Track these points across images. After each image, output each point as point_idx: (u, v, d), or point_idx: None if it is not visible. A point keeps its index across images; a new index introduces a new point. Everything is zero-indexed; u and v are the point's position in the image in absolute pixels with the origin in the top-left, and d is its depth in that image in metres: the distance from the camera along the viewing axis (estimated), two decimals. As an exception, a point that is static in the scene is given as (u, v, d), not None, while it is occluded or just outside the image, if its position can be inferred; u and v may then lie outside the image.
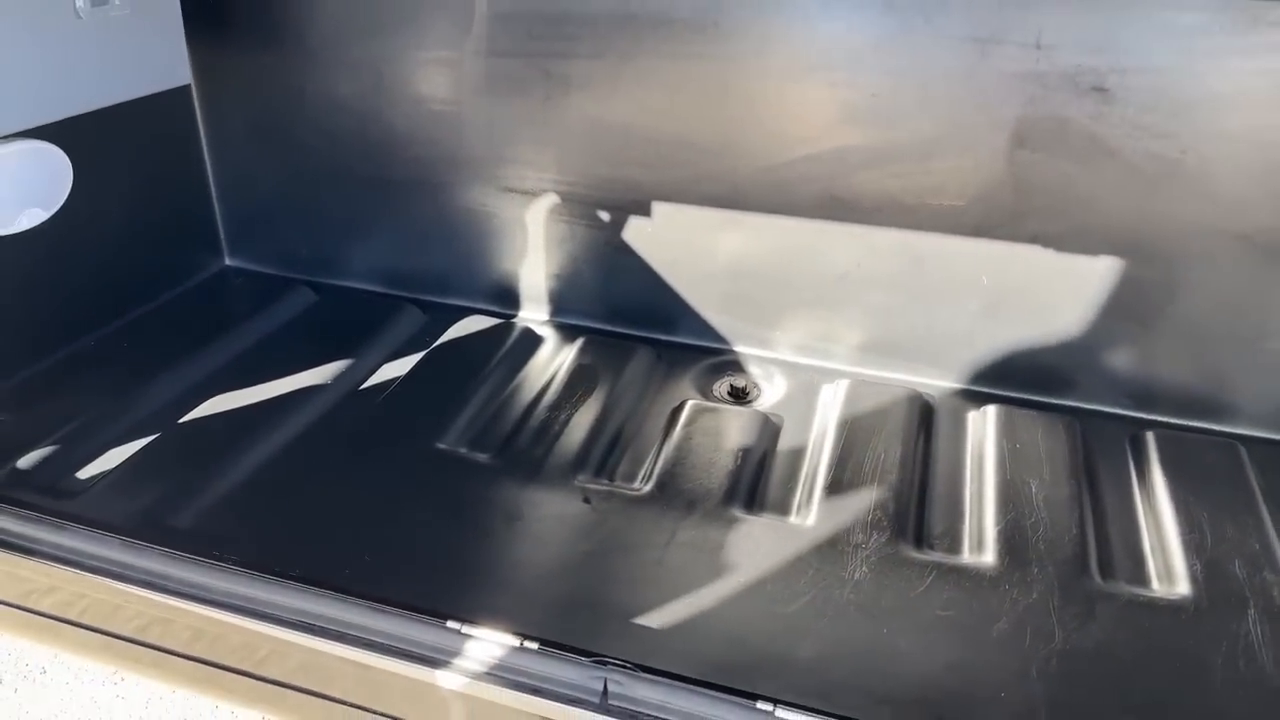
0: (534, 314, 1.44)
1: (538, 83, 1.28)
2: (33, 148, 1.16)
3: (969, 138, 1.15)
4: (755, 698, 0.74)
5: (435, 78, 1.33)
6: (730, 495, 1.02)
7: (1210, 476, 1.07)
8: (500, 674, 0.77)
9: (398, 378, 1.24)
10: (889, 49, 1.14)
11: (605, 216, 1.34)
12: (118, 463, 1.04)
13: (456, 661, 0.78)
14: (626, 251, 1.35)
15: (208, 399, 1.17)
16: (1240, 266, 1.11)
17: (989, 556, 0.95)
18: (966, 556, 0.96)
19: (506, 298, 1.44)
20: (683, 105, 1.24)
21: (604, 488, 1.04)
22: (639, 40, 1.22)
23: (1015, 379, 1.25)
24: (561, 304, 1.42)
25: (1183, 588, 0.91)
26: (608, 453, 1.13)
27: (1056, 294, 1.19)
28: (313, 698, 0.86)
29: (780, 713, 0.73)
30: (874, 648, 0.82)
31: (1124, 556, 0.97)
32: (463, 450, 1.10)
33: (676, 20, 1.19)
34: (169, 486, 1.00)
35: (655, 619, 0.84)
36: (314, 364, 1.24)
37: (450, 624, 0.80)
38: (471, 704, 0.78)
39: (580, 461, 1.09)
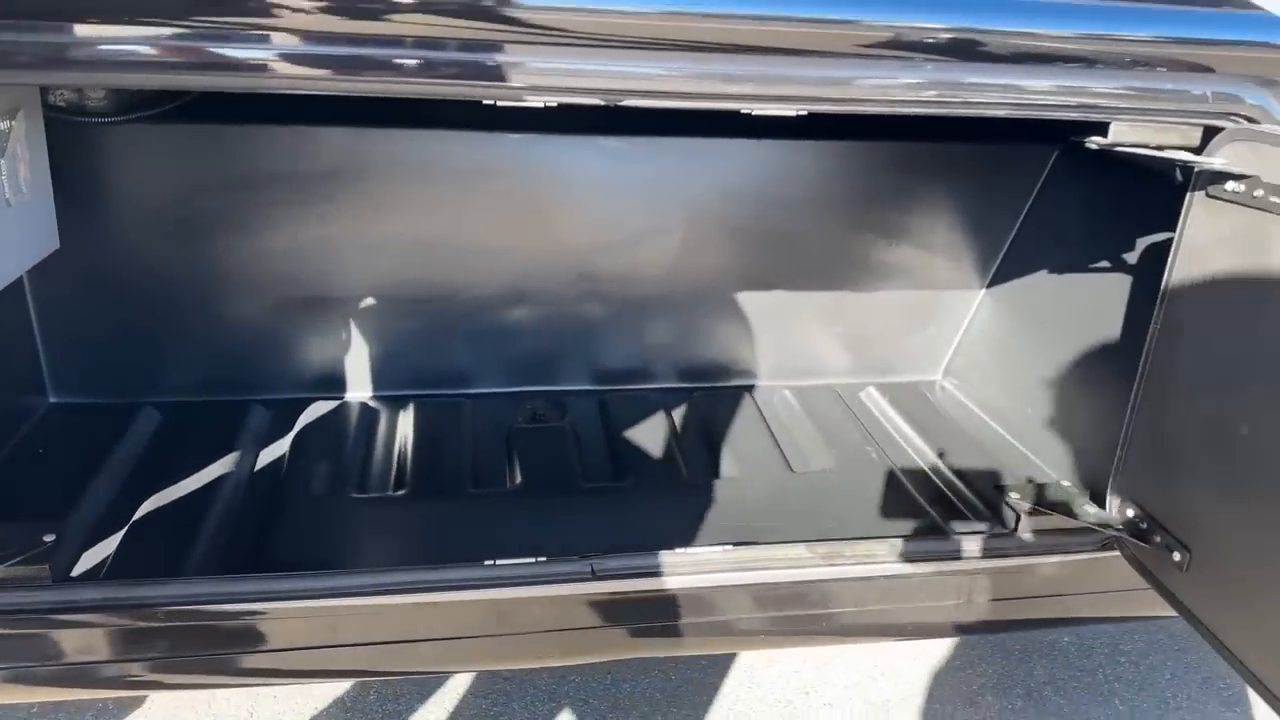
0: (363, 393, 1.85)
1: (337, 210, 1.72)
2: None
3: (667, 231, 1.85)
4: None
5: (249, 213, 1.70)
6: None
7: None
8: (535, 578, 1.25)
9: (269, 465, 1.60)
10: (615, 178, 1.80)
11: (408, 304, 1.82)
12: None
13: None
14: (436, 330, 1.84)
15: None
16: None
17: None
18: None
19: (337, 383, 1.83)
20: (468, 222, 1.78)
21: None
22: (422, 173, 1.74)
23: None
24: (385, 380, 1.85)
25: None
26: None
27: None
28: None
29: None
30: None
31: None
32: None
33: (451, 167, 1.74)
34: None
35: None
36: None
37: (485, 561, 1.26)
38: (528, 603, 1.24)
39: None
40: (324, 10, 0.96)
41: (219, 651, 1.21)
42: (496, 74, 0.99)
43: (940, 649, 2.02)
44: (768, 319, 1.96)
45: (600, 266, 1.85)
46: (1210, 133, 1.17)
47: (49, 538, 1.15)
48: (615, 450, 1.73)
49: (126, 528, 1.36)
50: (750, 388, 1.97)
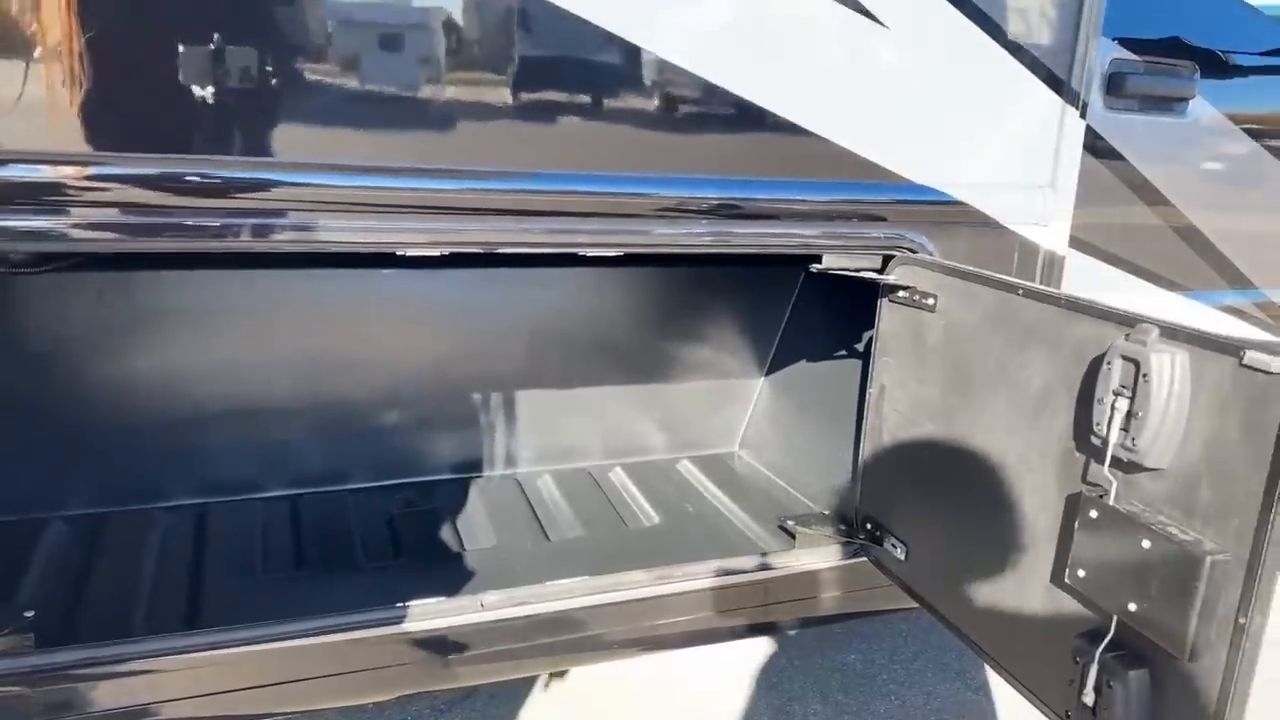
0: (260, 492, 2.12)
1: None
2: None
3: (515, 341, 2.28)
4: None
5: (153, 340, 1.99)
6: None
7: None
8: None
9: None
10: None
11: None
12: None
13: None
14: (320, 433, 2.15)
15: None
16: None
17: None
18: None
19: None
20: (347, 341, 2.14)
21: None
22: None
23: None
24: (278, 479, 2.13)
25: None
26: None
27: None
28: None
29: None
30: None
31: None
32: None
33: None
34: None
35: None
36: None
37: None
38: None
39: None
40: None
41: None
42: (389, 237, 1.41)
43: (751, 670, 2.46)
44: (597, 410, 2.41)
45: (457, 371, 2.25)
46: (887, 259, 1.74)
47: (29, 613, 1.39)
48: (483, 526, 2.09)
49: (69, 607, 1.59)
50: (586, 468, 2.40)
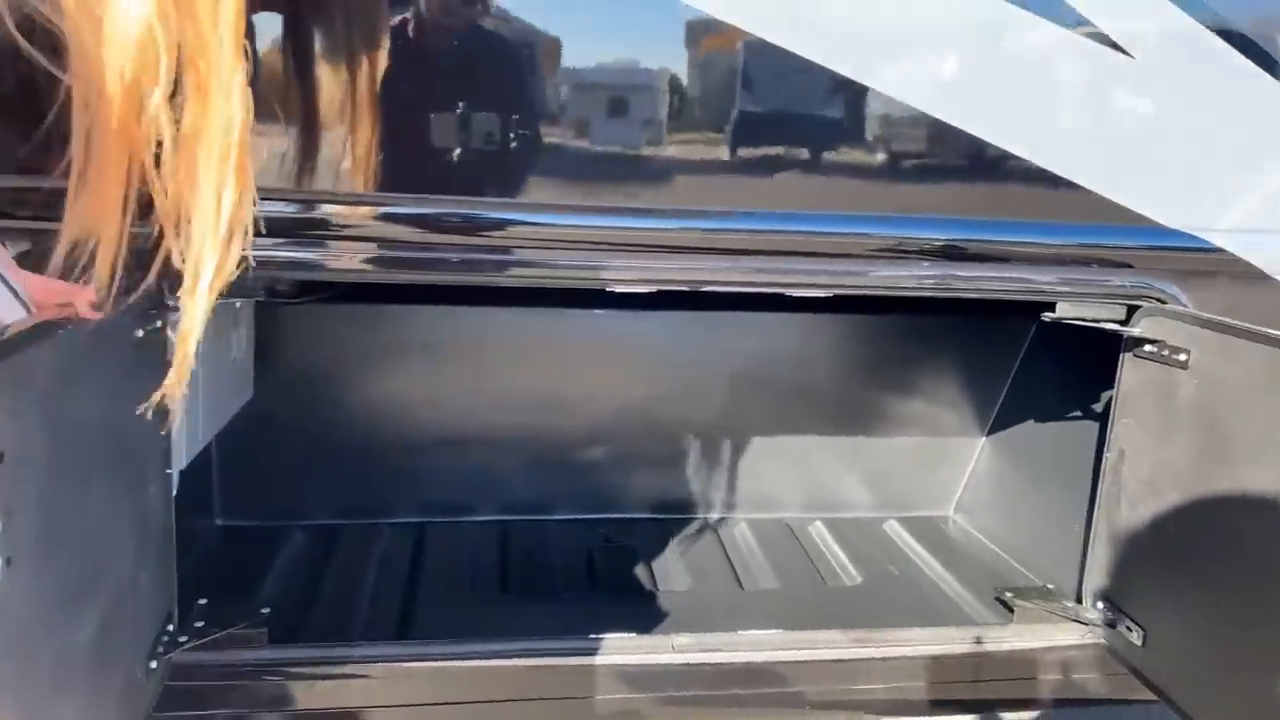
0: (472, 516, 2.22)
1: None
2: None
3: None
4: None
5: (384, 372, 2.14)
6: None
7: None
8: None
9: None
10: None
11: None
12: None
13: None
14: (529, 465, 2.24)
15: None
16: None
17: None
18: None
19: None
20: (557, 378, 2.21)
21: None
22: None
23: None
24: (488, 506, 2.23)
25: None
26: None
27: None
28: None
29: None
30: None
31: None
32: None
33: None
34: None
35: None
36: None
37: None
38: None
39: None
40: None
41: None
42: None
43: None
44: (799, 461, 2.34)
45: (661, 413, 2.26)
46: (1132, 310, 1.58)
47: (265, 610, 1.52)
48: (678, 567, 2.08)
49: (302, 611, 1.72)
50: (784, 519, 2.33)
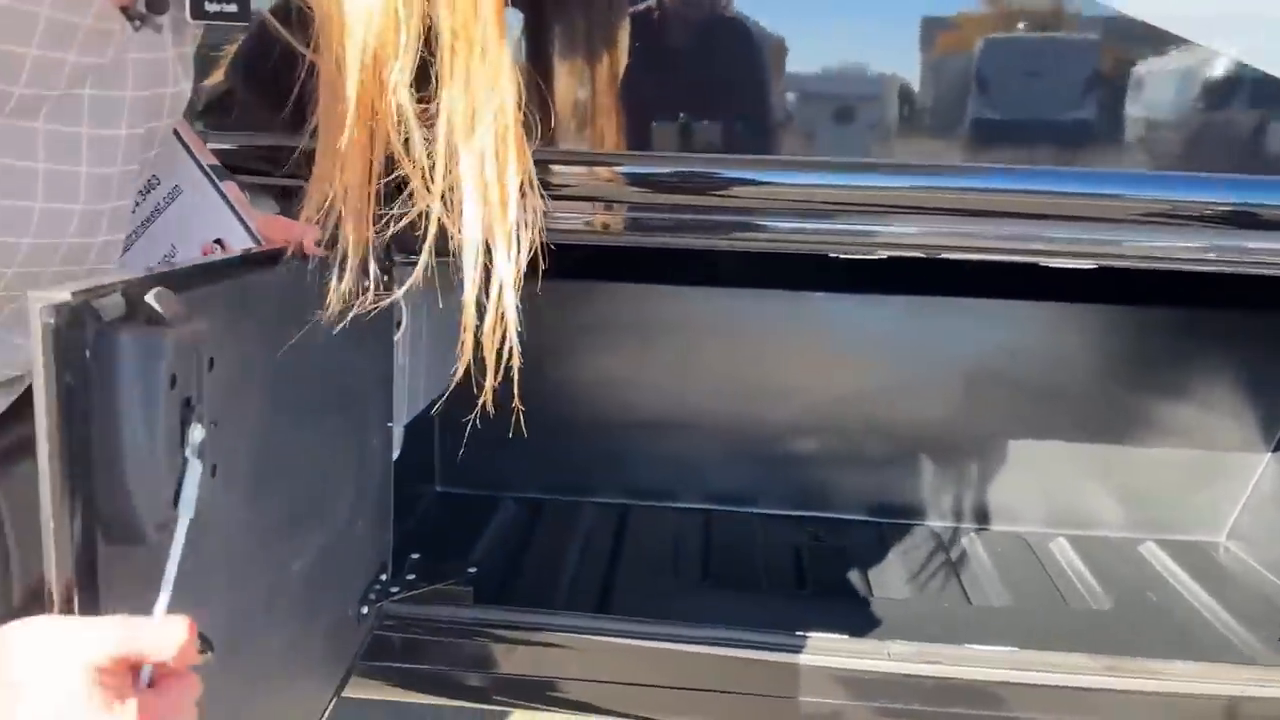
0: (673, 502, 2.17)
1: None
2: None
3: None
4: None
5: (588, 353, 2.13)
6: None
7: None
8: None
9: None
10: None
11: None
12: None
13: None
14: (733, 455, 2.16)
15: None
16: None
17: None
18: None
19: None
20: (768, 366, 2.12)
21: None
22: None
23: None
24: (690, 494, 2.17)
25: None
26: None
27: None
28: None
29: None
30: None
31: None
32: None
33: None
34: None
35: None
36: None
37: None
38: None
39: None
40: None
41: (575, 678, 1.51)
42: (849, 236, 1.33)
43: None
44: (1043, 470, 2.10)
45: (881, 408, 2.11)
46: None
47: (472, 570, 1.53)
48: (895, 574, 1.92)
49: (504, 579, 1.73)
50: (1021, 533, 2.10)
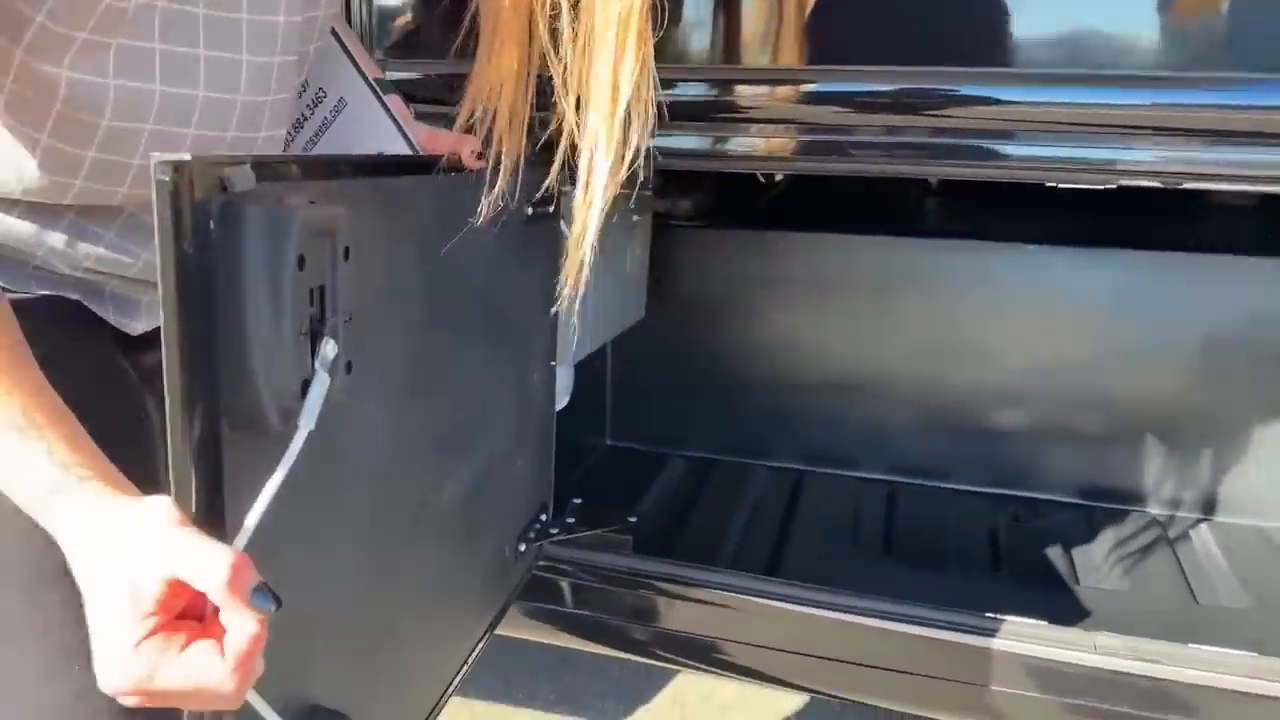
0: (853, 470, 2.04)
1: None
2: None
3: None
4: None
5: (773, 305, 2.02)
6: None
7: None
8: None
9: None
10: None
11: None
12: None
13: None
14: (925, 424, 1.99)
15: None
16: None
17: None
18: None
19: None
20: (973, 327, 1.93)
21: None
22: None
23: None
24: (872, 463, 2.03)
25: None
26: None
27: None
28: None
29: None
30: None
31: None
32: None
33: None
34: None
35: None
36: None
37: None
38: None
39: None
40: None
41: (732, 640, 1.42)
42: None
43: None
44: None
45: (1098, 379, 1.87)
46: None
47: (633, 519, 1.47)
48: (1107, 564, 1.70)
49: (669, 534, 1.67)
50: (1264, 528, 1.81)
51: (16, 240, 0.75)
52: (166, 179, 0.51)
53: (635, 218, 1.74)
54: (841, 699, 1.45)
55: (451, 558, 1.01)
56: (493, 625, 1.16)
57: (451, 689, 1.03)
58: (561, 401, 1.77)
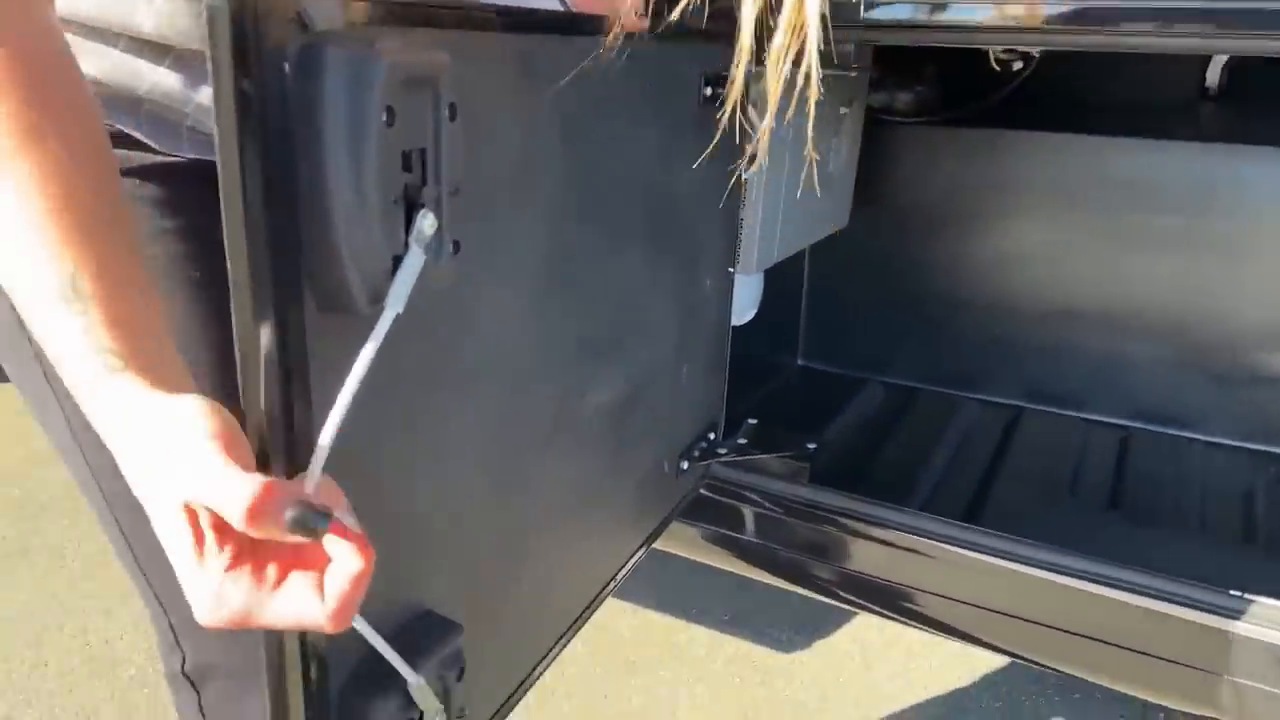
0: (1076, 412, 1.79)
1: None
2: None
3: None
4: None
5: (995, 217, 1.77)
6: None
7: None
8: None
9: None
10: None
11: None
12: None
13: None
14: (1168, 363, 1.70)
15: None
16: None
17: None
18: None
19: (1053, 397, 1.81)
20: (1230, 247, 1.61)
21: None
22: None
23: None
24: (1104, 405, 1.77)
25: None
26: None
27: None
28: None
29: None
30: None
31: None
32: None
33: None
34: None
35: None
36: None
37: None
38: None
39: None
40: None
41: (916, 588, 1.28)
42: None
43: None
44: None
45: None
46: None
47: (811, 445, 1.34)
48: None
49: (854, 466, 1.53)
50: None
51: (165, 95, 0.72)
52: (223, 6, 0.43)
53: (843, 109, 1.56)
54: (1043, 666, 1.27)
55: (597, 470, 0.93)
56: (647, 543, 1.08)
57: (596, 603, 0.97)
58: (746, 314, 1.65)
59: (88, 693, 1.69)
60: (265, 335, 0.49)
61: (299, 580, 0.48)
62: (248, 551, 0.48)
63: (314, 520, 0.45)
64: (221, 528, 0.46)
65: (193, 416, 0.47)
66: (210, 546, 0.46)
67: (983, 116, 1.72)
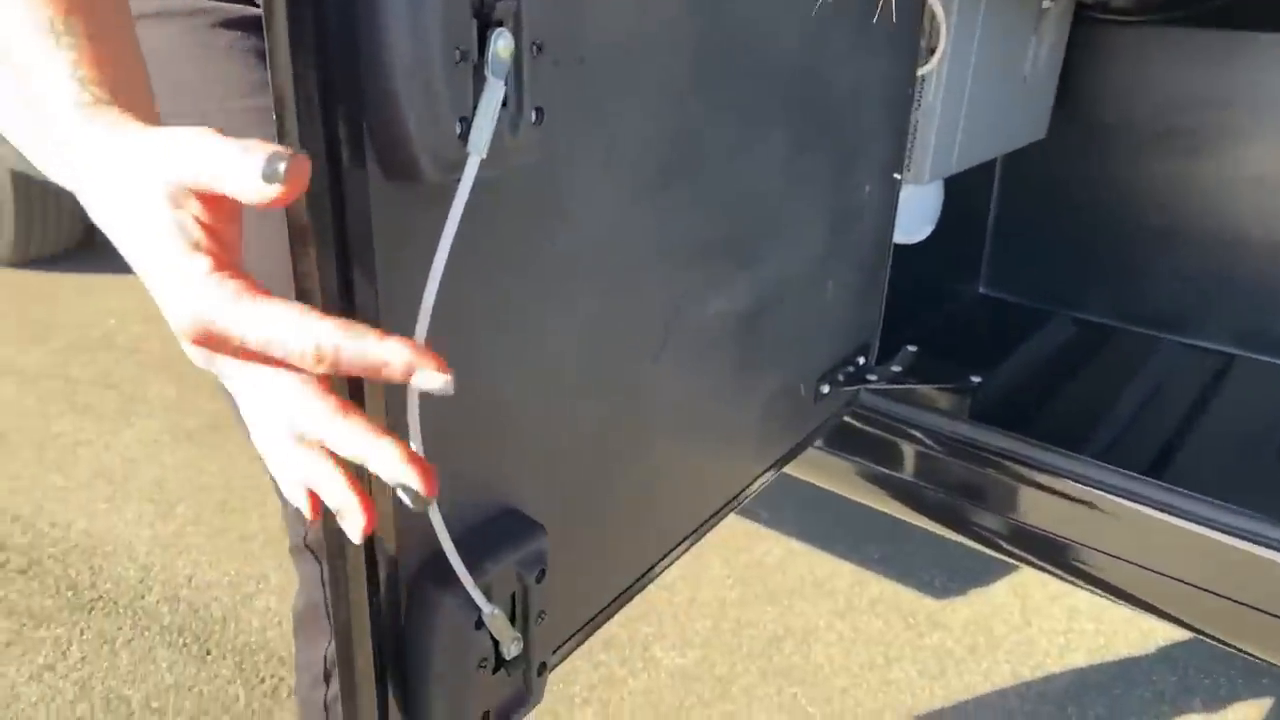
0: None
1: None
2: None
3: None
4: None
5: (1225, 136, 1.52)
6: None
7: None
8: None
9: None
10: None
11: None
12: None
13: None
14: None
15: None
16: None
17: None
18: None
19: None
20: None
21: None
22: None
23: None
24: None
25: None
26: None
27: None
28: None
29: None
30: None
31: None
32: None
33: None
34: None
35: None
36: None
37: None
38: None
39: None
40: None
41: (1084, 544, 1.14)
42: None
43: None
44: None
45: None
46: None
47: (976, 379, 1.22)
48: None
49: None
50: None
51: None
52: None
53: (1046, 2, 1.37)
54: (1224, 643, 1.12)
55: (717, 384, 0.87)
56: (774, 467, 1.01)
57: (712, 523, 0.91)
58: (920, 231, 1.51)
59: (259, 562, 1.84)
60: (320, 202, 0.45)
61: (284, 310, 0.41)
62: (228, 263, 0.42)
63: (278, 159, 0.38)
64: (211, 228, 0.43)
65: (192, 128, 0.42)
66: (198, 239, 0.42)
67: (1215, 15, 1.47)
